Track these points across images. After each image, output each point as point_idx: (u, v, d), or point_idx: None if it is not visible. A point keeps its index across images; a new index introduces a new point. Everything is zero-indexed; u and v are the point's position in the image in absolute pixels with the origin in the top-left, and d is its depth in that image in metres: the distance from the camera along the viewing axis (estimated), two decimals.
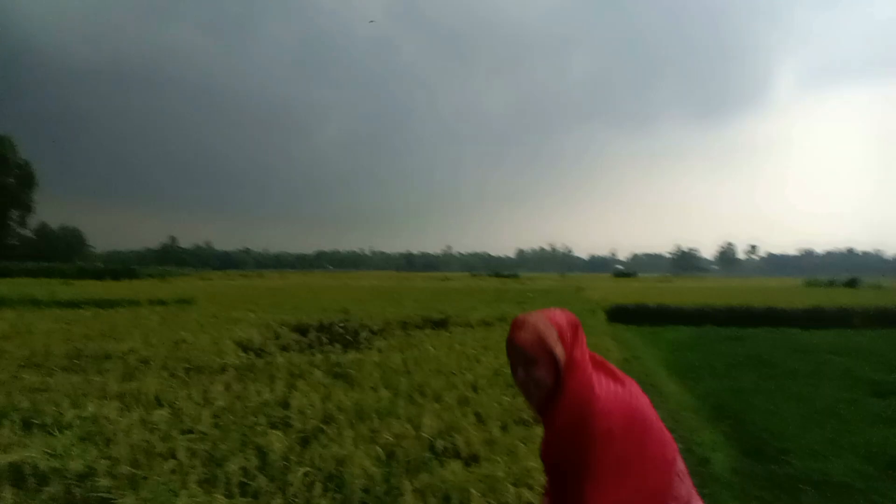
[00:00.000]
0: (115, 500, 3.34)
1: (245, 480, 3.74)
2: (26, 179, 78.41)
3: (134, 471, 3.82)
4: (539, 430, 4.88)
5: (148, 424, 4.98)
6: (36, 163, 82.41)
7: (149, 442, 4.52)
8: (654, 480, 1.70)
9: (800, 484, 4.82)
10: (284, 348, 10.33)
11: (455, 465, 3.89)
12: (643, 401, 1.77)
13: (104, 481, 3.59)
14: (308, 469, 3.81)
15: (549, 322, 1.77)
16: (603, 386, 1.73)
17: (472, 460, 4.24)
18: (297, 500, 3.41)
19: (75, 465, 3.84)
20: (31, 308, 17.69)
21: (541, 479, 3.76)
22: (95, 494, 3.45)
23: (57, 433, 4.62)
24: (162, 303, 20.38)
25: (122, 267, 58.45)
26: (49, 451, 4.10)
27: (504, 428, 4.93)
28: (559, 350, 1.73)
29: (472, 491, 3.37)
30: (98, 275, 50.13)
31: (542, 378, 1.74)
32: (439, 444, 4.46)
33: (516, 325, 1.79)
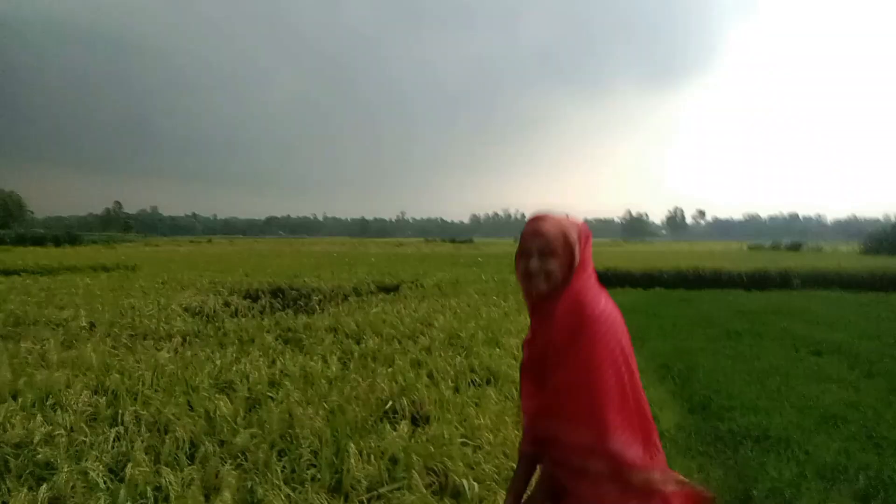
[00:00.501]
0: (54, 471, 3.21)
1: (192, 446, 3.66)
2: None
3: (82, 438, 3.69)
4: (491, 391, 4.90)
5: (92, 392, 4.82)
6: None
7: (94, 408, 4.37)
8: (639, 391, 1.69)
9: (741, 439, 4.95)
10: (235, 314, 10.15)
11: (405, 427, 3.87)
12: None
13: (44, 451, 3.45)
14: (255, 432, 3.74)
15: (572, 221, 1.79)
16: (603, 294, 1.74)
17: (423, 421, 4.23)
18: (244, 464, 3.34)
19: (12, 435, 3.69)
20: None
21: (489, 437, 3.77)
22: (34, 465, 3.31)
23: None
24: (105, 269, 19.80)
25: (63, 233, 56.49)
26: None
27: (457, 390, 4.93)
28: (578, 248, 1.74)
29: (414, 456, 3.34)
30: (38, 241, 48.45)
31: (555, 270, 1.73)
32: (390, 406, 4.44)
33: (540, 218, 1.79)
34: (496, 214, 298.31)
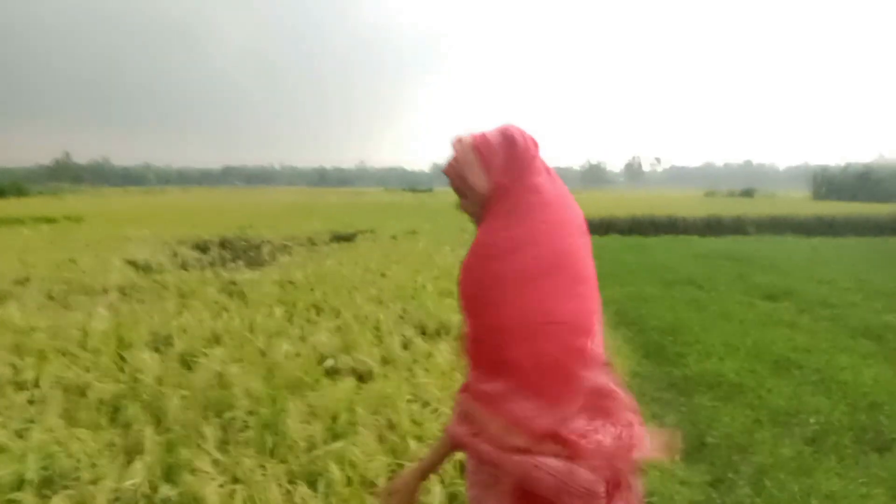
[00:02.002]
0: None
1: (116, 407, 3.41)
2: None
3: None
4: (442, 345, 4.72)
5: (13, 351, 4.50)
6: None
7: (14, 368, 4.07)
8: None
9: (695, 384, 4.91)
10: (183, 267, 9.78)
11: (347, 384, 3.67)
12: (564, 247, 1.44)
13: None
14: (186, 393, 3.49)
15: (471, 147, 1.48)
16: (524, 226, 1.43)
17: (367, 377, 4.04)
18: (173, 426, 3.10)
19: None
20: None
21: (435, 393, 3.61)
22: None
23: None
24: (49, 221, 19.01)
25: (9, 184, 54.21)
26: None
27: (404, 346, 4.74)
28: (479, 182, 1.48)
29: (359, 410, 3.14)
30: None
31: (472, 211, 1.52)
32: (333, 362, 4.23)
33: (452, 153, 1.52)
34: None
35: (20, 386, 3.77)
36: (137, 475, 2.40)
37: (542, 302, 1.37)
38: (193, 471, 2.49)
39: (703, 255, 12.91)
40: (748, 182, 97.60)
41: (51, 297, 6.80)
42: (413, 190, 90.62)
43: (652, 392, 4.83)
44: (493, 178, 1.49)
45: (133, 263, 9.76)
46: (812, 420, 4.18)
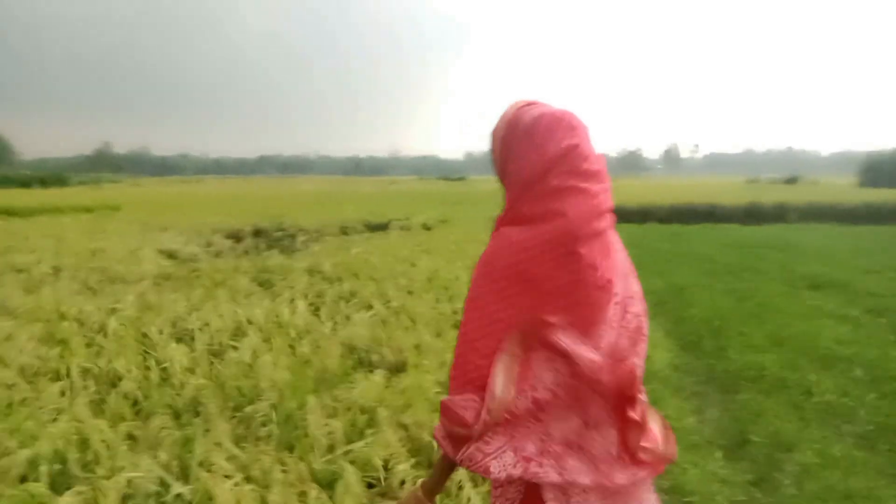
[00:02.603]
0: None
1: (138, 399, 3.36)
2: None
3: (19, 395, 3.38)
4: None
5: (45, 341, 4.50)
6: None
7: (42, 359, 4.06)
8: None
9: (737, 378, 4.73)
10: (216, 255, 9.83)
11: (378, 377, 3.57)
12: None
13: None
14: (208, 383, 3.42)
15: (496, 127, 1.38)
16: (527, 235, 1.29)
17: (396, 370, 3.94)
18: (193, 419, 3.03)
19: None
20: None
21: None
22: None
23: None
24: (88, 210, 19.34)
25: (51, 174, 55.45)
26: None
27: (438, 335, 4.63)
28: (495, 169, 1.39)
29: (384, 406, 3.03)
30: (25, 183, 47.51)
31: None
32: (363, 354, 4.14)
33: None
34: (490, 151, 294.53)
35: (49, 376, 3.75)
36: (151, 471, 2.32)
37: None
38: (209, 467, 2.41)
39: (744, 243, 12.56)
40: (790, 169, 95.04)
41: (84, 286, 6.84)
42: (446, 178, 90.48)
43: (691, 386, 4.66)
44: (499, 168, 1.38)
45: (166, 252, 9.84)
46: (862, 417, 3.99)
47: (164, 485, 2.37)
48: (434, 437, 1.36)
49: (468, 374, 1.29)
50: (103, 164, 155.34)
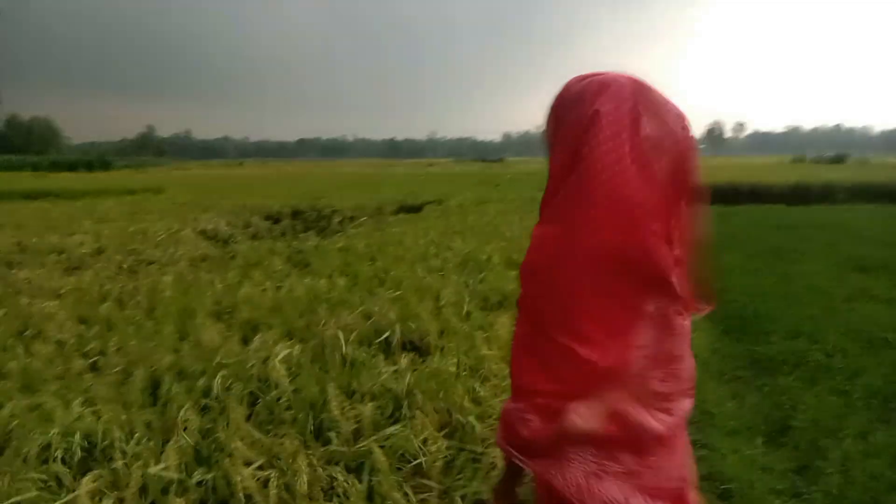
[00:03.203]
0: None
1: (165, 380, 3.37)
2: None
3: (50, 372, 3.43)
4: (504, 317, 4.54)
5: (80, 321, 4.58)
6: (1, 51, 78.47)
7: (81, 339, 4.12)
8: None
9: (779, 363, 4.59)
10: (254, 237, 9.93)
11: (404, 359, 3.53)
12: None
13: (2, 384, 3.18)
14: (231, 363, 3.42)
15: (555, 96, 1.28)
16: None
17: (425, 351, 3.90)
18: (217, 403, 3.02)
19: None
20: None
21: (495, 368, 3.44)
22: None
23: None
24: (131, 193, 19.75)
25: (96, 158, 56.79)
26: None
27: (466, 315, 4.57)
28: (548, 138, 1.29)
29: (415, 388, 2.99)
30: (71, 167, 48.77)
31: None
32: (390, 335, 4.10)
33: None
34: (528, 132, 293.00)
35: (84, 355, 3.80)
36: (172, 457, 2.32)
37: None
38: (231, 452, 2.40)
39: (789, 224, 12.19)
40: (838, 147, 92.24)
41: (122, 267, 6.96)
42: (483, 160, 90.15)
43: (732, 370, 4.53)
44: (548, 138, 1.28)
45: (206, 233, 9.97)
46: None
47: (186, 470, 2.36)
48: (497, 444, 1.33)
49: (518, 379, 1.25)
50: (147, 148, 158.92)
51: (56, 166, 49.01)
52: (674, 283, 1.20)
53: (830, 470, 3.16)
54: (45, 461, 2.44)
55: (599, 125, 1.15)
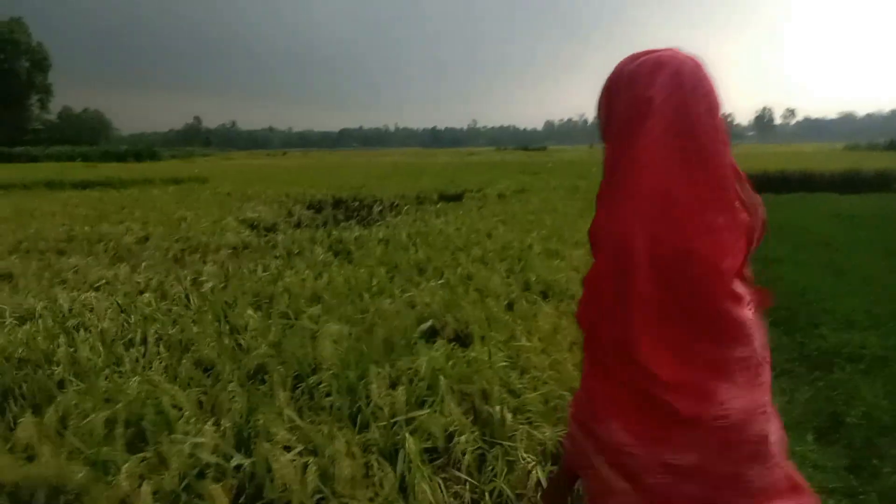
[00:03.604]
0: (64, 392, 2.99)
1: (208, 367, 3.41)
2: (41, 62, 76.91)
3: (97, 359, 3.49)
4: (546, 307, 4.47)
5: (125, 309, 4.66)
6: (55, 46, 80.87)
7: (126, 326, 4.19)
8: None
9: (831, 357, 4.43)
10: (296, 226, 10.01)
11: (443, 348, 3.49)
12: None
13: (58, 371, 3.25)
14: (271, 350, 3.43)
15: (608, 78, 1.21)
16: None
17: (466, 340, 3.86)
18: (258, 388, 3.03)
19: (32, 355, 3.52)
20: (42, 191, 17.51)
21: (537, 360, 3.37)
22: (39, 390, 3.09)
23: (23, 323, 4.28)
24: (177, 182, 20.13)
25: (144, 149, 58.14)
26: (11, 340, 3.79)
27: (508, 307, 4.51)
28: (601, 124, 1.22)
29: (449, 377, 2.95)
30: (121, 157, 50.00)
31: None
32: (431, 324, 4.07)
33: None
34: (570, 119, 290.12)
35: (127, 343, 3.86)
36: (212, 441, 2.33)
37: None
38: (270, 438, 2.39)
39: (842, 213, 11.81)
40: (894, 134, 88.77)
41: (167, 255, 7.08)
42: (525, 148, 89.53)
43: (782, 364, 4.38)
44: (601, 124, 1.22)
45: (248, 222, 10.09)
46: None
47: (225, 456, 2.37)
48: (562, 444, 1.32)
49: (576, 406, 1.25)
50: (194, 139, 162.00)
51: (106, 157, 50.26)
52: (738, 293, 1.13)
53: (887, 469, 3.03)
54: (106, 439, 2.48)
55: (651, 115, 1.09)
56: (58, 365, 3.37)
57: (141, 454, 2.32)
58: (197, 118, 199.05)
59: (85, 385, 2.94)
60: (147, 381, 3.02)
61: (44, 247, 7.69)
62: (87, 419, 2.56)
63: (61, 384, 3.14)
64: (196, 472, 2.23)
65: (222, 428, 2.50)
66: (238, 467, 2.29)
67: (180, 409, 2.72)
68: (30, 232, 8.78)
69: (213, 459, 2.25)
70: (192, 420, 2.59)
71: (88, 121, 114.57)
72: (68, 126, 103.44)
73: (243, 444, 2.47)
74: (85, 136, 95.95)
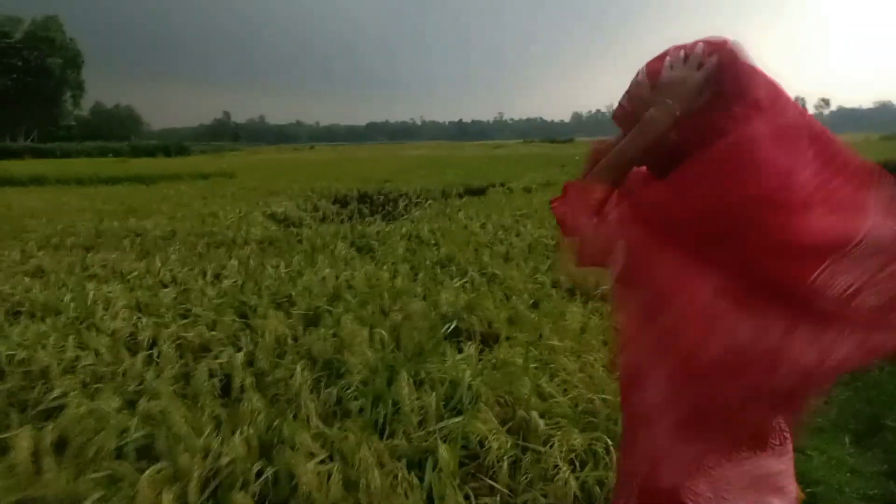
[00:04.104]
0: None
1: (228, 372, 3.36)
2: (74, 59, 78.12)
3: (104, 367, 3.44)
4: (574, 306, 4.37)
5: (144, 307, 4.65)
6: (86, 42, 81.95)
7: (136, 328, 4.15)
8: None
9: None
10: (322, 220, 9.99)
11: (470, 349, 3.42)
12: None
13: (61, 382, 3.19)
14: (296, 357, 3.37)
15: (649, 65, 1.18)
16: None
17: (491, 342, 3.78)
18: (282, 394, 2.99)
19: (39, 357, 3.48)
20: (74, 186, 17.77)
21: (566, 362, 3.27)
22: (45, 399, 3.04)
23: (39, 321, 4.27)
24: (205, 177, 20.30)
25: (174, 144, 58.86)
26: (22, 340, 3.77)
27: (534, 306, 4.42)
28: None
29: (479, 382, 2.87)
30: (151, 152, 50.68)
31: None
32: (456, 324, 4.00)
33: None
34: (598, 111, 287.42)
35: (140, 344, 3.84)
36: (236, 450, 2.27)
37: None
38: (295, 446, 2.34)
39: None
40: None
41: (193, 251, 7.10)
42: (552, 141, 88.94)
43: None
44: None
45: (274, 216, 10.11)
46: None
47: (247, 464, 2.32)
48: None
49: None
50: (223, 134, 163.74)
51: (136, 152, 51.00)
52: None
53: None
54: (115, 457, 2.45)
55: (747, 103, 1.07)
56: (62, 375, 3.33)
57: (157, 465, 2.27)
58: (226, 113, 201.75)
59: (87, 396, 2.88)
60: (154, 395, 2.98)
61: (73, 242, 7.77)
62: (89, 439, 2.52)
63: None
64: (217, 482, 2.18)
65: (245, 435, 2.44)
66: (260, 474, 2.24)
67: (193, 421, 2.68)
68: (60, 227, 8.90)
69: (236, 468, 2.19)
70: (209, 431, 2.54)
71: (119, 116, 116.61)
72: (100, 122, 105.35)
73: (266, 452, 2.42)
74: (116, 131, 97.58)
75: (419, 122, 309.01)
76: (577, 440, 2.53)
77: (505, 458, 2.45)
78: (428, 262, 5.78)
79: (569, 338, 3.68)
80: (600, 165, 1.18)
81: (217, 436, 2.47)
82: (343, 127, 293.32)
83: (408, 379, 2.95)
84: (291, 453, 2.24)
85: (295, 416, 2.66)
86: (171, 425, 2.52)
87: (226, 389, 3.18)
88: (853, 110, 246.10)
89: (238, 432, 2.45)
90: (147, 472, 2.18)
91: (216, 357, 3.48)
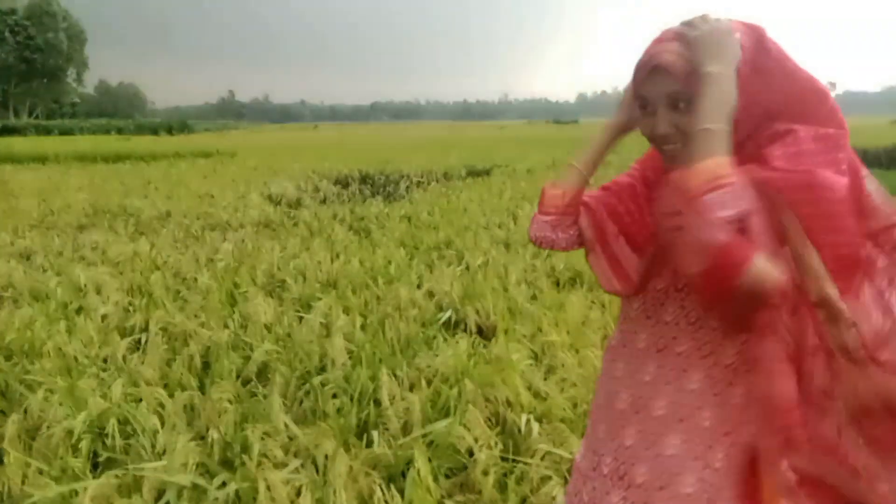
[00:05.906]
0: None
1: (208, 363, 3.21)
2: (77, 35, 77.48)
3: (90, 352, 3.30)
4: (574, 297, 4.19)
5: (132, 292, 4.50)
6: (91, 20, 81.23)
7: (125, 312, 4.00)
8: None
9: None
10: (322, 201, 9.80)
11: (464, 343, 3.24)
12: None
13: (40, 365, 3.04)
14: (276, 348, 3.21)
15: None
16: None
17: (487, 335, 3.62)
18: (259, 390, 2.83)
19: (20, 341, 3.34)
20: (74, 164, 17.56)
21: (564, 357, 3.09)
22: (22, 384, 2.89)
23: (26, 305, 4.12)
24: (207, 156, 20.11)
25: (177, 122, 58.45)
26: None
27: (534, 297, 4.25)
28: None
29: (466, 384, 2.68)
30: (154, 130, 50.33)
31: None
32: (450, 314, 3.83)
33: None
34: (604, 92, 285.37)
35: (125, 331, 3.69)
36: (193, 457, 2.10)
37: None
38: (264, 453, 2.17)
39: (890, 191, 11.20)
40: None
41: (188, 232, 6.94)
42: (557, 122, 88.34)
43: None
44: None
45: (273, 197, 9.92)
46: None
47: (208, 474, 2.15)
48: None
49: None
50: (228, 112, 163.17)
51: (140, 130, 50.61)
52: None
53: None
54: (75, 450, 2.30)
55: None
56: (48, 357, 3.19)
57: (113, 471, 2.11)
58: (231, 92, 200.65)
59: (66, 384, 2.72)
60: (132, 383, 2.83)
61: (66, 222, 7.61)
62: (51, 429, 2.38)
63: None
64: (174, 494, 2.00)
65: (208, 440, 2.28)
66: (223, 487, 2.06)
67: (162, 416, 2.53)
68: (54, 206, 8.74)
69: (189, 481, 2.02)
70: (173, 429, 2.39)
71: (124, 94, 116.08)
72: (104, 99, 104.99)
73: (231, 459, 2.25)
74: (121, 109, 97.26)
75: (423, 103, 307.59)
76: (575, 448, 2.32)
77: (493, 468, 2.26)
78: (425, 248, 5.61)
79: (568, 330, 3.51)
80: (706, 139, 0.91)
81: (183, 434, 2.29)
82: (347, 106, 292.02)
83: (392, 376, 2.79)
84: (258, 462, 2.08)
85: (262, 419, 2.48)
86: (136, 419, 2.38)
87: (202, 379, 3.02)
88: (860, 94, 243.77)
89: (204, 434, 2.30)
90: (97, 480, 2.03)
91: (201, 344, 3.33)
